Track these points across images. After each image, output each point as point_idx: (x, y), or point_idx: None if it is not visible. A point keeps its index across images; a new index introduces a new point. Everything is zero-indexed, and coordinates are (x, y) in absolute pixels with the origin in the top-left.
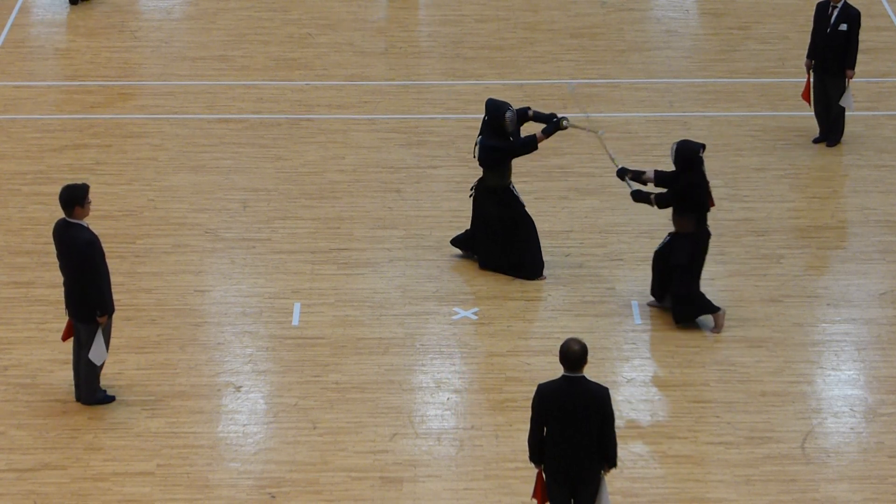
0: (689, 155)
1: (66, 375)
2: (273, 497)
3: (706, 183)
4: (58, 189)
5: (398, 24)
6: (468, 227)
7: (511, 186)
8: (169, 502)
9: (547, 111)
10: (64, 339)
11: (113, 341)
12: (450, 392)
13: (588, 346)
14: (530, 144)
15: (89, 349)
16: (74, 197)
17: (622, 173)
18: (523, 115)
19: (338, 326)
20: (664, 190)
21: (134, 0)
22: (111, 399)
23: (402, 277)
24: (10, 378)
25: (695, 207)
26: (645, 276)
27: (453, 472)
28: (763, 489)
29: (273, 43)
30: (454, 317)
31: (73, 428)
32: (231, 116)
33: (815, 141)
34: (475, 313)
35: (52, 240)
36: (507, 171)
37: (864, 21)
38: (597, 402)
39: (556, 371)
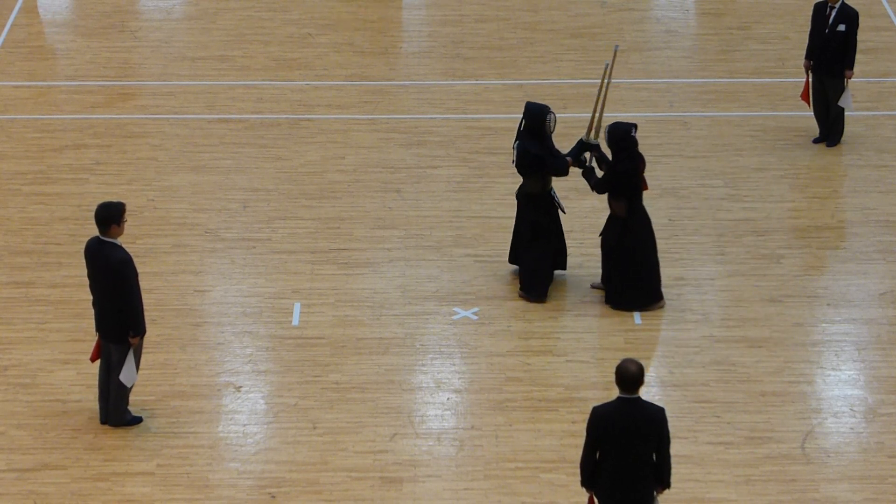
0: (621, 136)
1: (66, 375)
2: (273, 497)
3: (641, 165)
4: (58, 189)
5: (398, 24)
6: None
7: (552, 192)
8: (169, 502)
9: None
10: (93, 359)
11: None
12: (450, 392)
13: (590, 347)
14: (563, 169)
15: (120, 371)
16: (111, 215)
17: (592, 148)
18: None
19: (338, 326)
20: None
21: (134, 0)
22: (139, 420)
23: (402, 277)
24: (10, 378)
25: (625, 192)
26: None
27: (453, 472)
28: (763, 489)
29: (273, 43)
30: (454, 317)
31: (73, 428)
32: (231, 116)
33: (816, 141)
34: (475, 313)
35: (52, 240)
36: (548, 177)
37: (863, 21)
38: (654, 424)
39: (556, 371)
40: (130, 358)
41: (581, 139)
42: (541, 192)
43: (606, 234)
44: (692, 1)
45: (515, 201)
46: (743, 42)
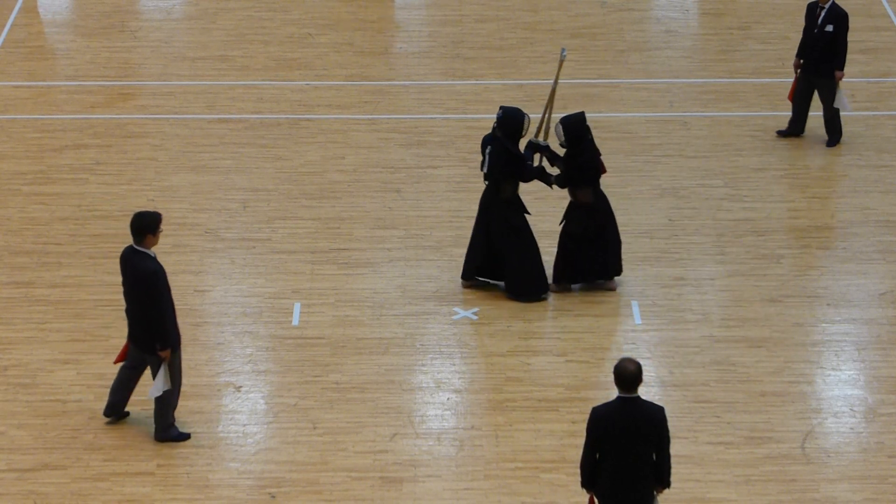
0: (577, 126)
1: (66, 375)
2: (273, 497)
3: (597, 152)
4: (58, 189)
5: (398, 24)
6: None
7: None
8: (169, 502)
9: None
10: (116, 362)
11: (112, 341)
12: (450, 392)
13: (590, 347)
14: (534, 172)
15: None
16: (147, 225)
17: (542, 149)
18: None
19: (338, 326)
20: (558, 172)
21: (134, 0)
22: (186, 437)
23: (402, 277)
24: (10, 378)
25: (589, 180)
26: (645, 275)
27: (453, 472)
28: (763, 489)
29: (273, 43)
30: (454, 317)
31: (73, 428)
32: (231, 116)
33: (780, 133)
34: (475, 313)
35: (52, 240)
36: (518, 180)
37: (863, 21)
38: (654, 423)
39: (556, 371)
40: (161, 373)
41: (531, 141)
42: (512, 196)
43: (571, 223)
44: (692, 1)
45: (479, 211)
46: (743, 42)
